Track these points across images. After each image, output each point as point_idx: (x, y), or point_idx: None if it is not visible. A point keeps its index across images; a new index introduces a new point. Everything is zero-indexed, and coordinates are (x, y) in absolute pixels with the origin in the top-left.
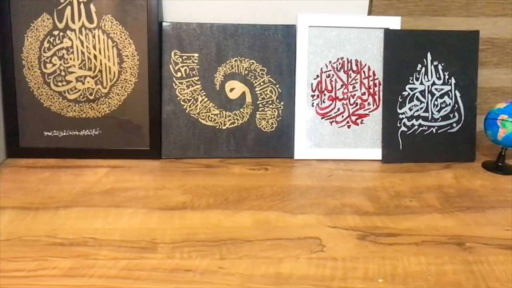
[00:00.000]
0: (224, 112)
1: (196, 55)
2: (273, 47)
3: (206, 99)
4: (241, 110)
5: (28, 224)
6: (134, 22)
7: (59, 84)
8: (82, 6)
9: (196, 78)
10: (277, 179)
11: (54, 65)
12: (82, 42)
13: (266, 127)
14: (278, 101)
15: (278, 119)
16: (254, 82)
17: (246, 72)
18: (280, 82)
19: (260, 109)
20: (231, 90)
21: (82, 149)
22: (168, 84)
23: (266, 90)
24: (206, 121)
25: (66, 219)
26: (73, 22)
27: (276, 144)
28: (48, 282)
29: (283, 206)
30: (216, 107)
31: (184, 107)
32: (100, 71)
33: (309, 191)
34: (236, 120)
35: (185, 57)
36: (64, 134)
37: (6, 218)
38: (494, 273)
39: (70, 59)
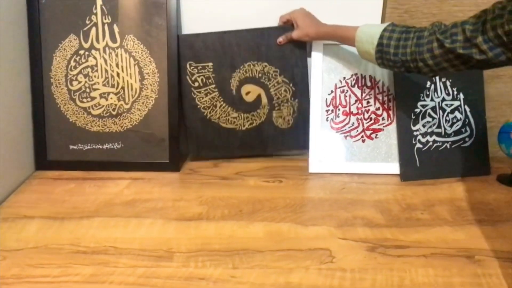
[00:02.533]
0: (242, 114)
1: (210, 64)
2: (284, 48)
3: (224, 104)
4: (258, 111)
5: (54, 233)
6: (155, 41)
7: (84, 100)
8: (106, 27)
9: (213, 86)
10: (290, 191)
11: (79, 82)
12: (106, 61)
13: (283, 124)
14: (292, 99)
15: (294, 116)
16: (268, 83)
17: (259, 75)
18: (294, 80)
19: (276, 108)
20: (247, 93)
21: (106, 162)
22: (187, 94)
23: (281, 90)
24: (227, 124)
25: (88, 228)
26: (98, 42)
27: (293, 138)
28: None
29: (296, 218)
30: (234, 110)
31: (205, 113)
32: (123, 88)
33: (322, 204)
34: (254, 121)
35: (200, 67)
36: (89, 147)
37: (34, 227)
38: (503, 286)
39: (95, 76)
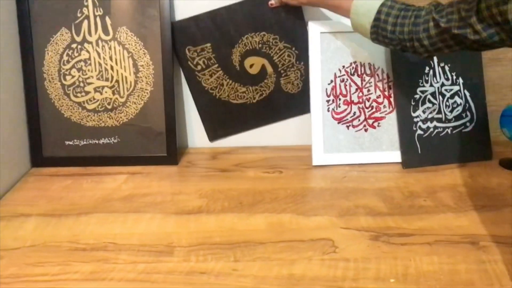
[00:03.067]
0: (250, 87)
1: (208, 45)
2: (278, 13)
3: (230, 81)
4: (266, 81)
5: (52, 231)
6: (148, 33)
7: (78, 95)
8: (98, 19)
9: (216, 65)
10: (291, 181)
11: (73, 77)
12: (99, 54)
13: (293, 89)
14: (297, 62)
15: (302, 79)
16: (270, 52)
17: (260, 45)
18: (295, 44)
19: (283, 75)
20: (251, 66)
21: (102, 157)
22: (192, 79)
23: (284, 56)
24: (237, 100)
25: (87, 225)
26: (90, 35)
27: (305, 101)
28: (71, 285)
29: (297, 208)
30: (242, 85)
31: (214, 94)
32: (117, 81)
33: (323, 193)
34: (263, 92)
35: (199, 49)
36: (85, 143)
37: (31, 225)
38: (509, 272)
39: (88, 70)
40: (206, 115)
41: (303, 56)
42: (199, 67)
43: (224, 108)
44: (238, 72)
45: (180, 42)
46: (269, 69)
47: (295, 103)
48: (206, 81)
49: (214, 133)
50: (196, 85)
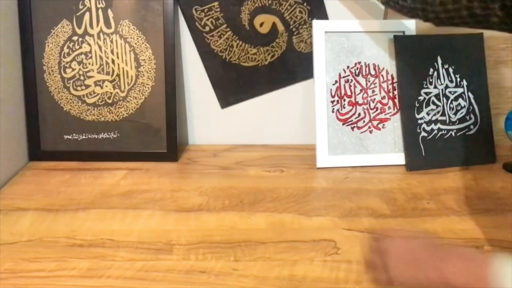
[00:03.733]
0: (261, 48)
1: (216, 3)
2: None
3: (240, 42)
4: (277, 40)
5: (49, 226)
6: (151, 27)
7: (78, 88)
8: (100, 12)
9: (224, 26)
10: (292, 181)
11: (73, 69)
12: (100, 47)
13: (306, 48)
14: (310, 18)
15: None
16: (280, 9)
17: (270, 1)
18: None
19: (295, 33)
20: (261, 24)
21: (101, 152)
22: (200, 41)
23: (295, 12)
24: (248, 62)
25: (85, 220)
26: (92, 27)
27: None
28: (67, 282)
29: (298, 208)
30: (252, 46)
31: (223, 57)
32: (118, 75)
33: (325, 193)
34: (275, 52)
35: (207, 9)
36: (84, 137)
37: (28, 220)
38: None
39: (89, 63)
40: (217, 81)
41: (315, 11)
42: (207, 28)
43: (235, 72)
44: (247, 31)
45: (186, 1)
46: (280, 27)
47: (309, 64)
48: (215, 43)
49: (225, 100)
50: (205, 47)
